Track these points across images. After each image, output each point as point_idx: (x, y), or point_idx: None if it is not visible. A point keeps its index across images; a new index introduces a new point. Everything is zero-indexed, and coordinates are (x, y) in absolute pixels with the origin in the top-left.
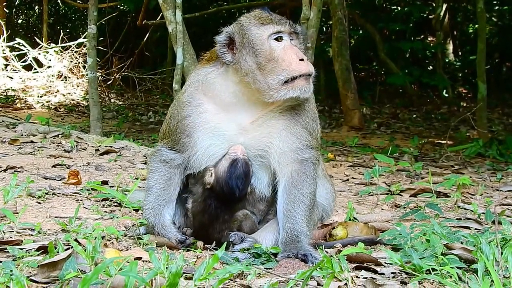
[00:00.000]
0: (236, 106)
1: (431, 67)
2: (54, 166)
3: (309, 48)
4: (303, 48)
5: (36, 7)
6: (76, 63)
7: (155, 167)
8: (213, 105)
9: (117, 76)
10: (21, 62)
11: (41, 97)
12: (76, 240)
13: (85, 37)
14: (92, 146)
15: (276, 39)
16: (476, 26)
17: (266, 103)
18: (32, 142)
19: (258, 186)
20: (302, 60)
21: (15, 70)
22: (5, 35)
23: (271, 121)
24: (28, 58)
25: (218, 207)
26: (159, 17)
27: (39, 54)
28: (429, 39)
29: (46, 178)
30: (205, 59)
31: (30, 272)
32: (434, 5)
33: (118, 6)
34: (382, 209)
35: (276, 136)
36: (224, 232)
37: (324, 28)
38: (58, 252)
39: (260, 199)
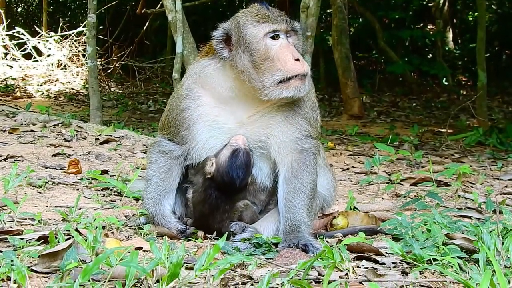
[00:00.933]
0: (233, 100)
1: (430, 55)
2: (54, 155)
3: (308, 37)
4: (301, 45)
5: None
6: (75, 51)
7: (155, 157)
8: (211, 98)
9: (116, 65)
10: (21, 51)
11: (40, 86)
12: (76, 230)
13: (84, 26)
14: (92, 135)
15: (272, 37)
16: (476, 14)
17: (263, 100)
18: (32, 131)
19: (259, 177)
20: (297, 60)
21: (15, 59)
22: (4, 23)
23: (270, 114)
24: (28, 47)
25: (219, 197)
26: (158, 6)
27: (39, 42)
28: (428, 27)
29: (46, 168)
30: (204, 51)
31: (30, 262)
32: None
33: None
34: (382, 198)
35: (275, 127)
36: (224, 222)
37: (324, 17)
38: (58, 242)
39: (261, 189)
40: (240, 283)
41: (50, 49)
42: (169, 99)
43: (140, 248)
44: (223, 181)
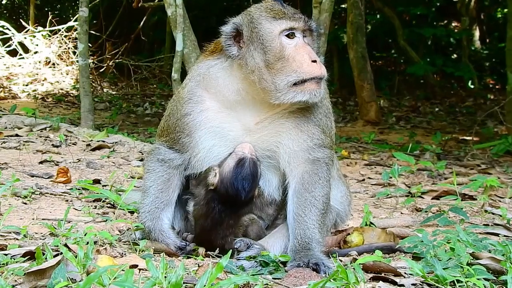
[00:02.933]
0: (240, 105)
1: (455, 56)
2: (41, 162)
3: (321, 35)
4: (316, 47)
5: None
6: (65, 48)
7: (153, 166)
8: (216, 102)
9: (110, 63)
10: (5, 47)
11: (27, 85)
12: (66, 245)
13: (75, 21)
14: (83, 141)
15: (288, 35)
16: (505, 10)
17: (273, 104)
18: (17, 135)
19: (266, 189)
20: (314, 61)
21: None
22: None
23: (280, 120)
24: (13, 42)
25: (222, 210)
26: None
27: (25, 38)
28: (453, 24)
29: (32, 176)
30: (208, 51)
31: (15, 281)
32: None
33: None
34: (401, 213)
35: (285, 135)
36: (228, 238)
37: (338, 12)
38: (46, 258)
39: (269, 202)
40: None
41: (37, 45)
42: (169, 103)
43: (135, 266)
44: (227, 193)
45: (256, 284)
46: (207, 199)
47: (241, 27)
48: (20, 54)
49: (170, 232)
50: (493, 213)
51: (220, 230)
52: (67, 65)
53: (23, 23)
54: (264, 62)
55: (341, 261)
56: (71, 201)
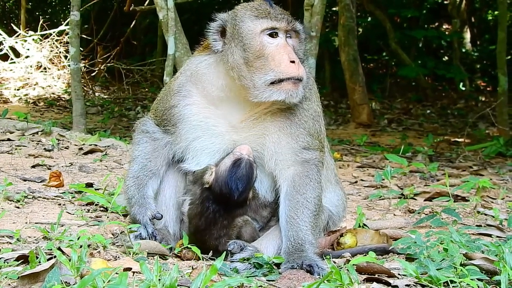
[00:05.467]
0: (225, 101)
1: (446, 58)
2: (33, 166)
3: (313, 38)
4: (303, 49)
5: None
6: (57, 52)
7: (138, 138)
8: (202, 97)
9: (102, 67)
10: None
11: (18, 90)
12: (59, 248)
13: (67, 24)
14: (75, 145)
15: (270, 35)
16: (496, 12)
17: (255, 103)
18: (9, 140)
19: (261, 191)
20: (293, 62)
21: None
22: None
23: (264, 123)
24: (4, 47)
25: (217, 211)
26: (147, 2)
27: (16, 42)
28: (444, 27)
29: (25, 180)
30: (201, 47)
31: (9, 284)
32: None
33: None
34: (394, 214)
35: (269, 138)
36: (222, 239)
37: (330, 15)
38: (39, 262)
39: (264, 205)
40: None
41: (28, 49)
42: (162, 90)
43: (129, 269)
44: (220, 192)
45: (250, 286)
46: (202, 198)
47: (226, 23)
48: (11, 59)
49: (152, 201)
50: (485, 214)
51: (214, 231)
52: (58, 69)
53: (14, 27)
54: (243, 59)
55: (334, 262)
56: (64, 204)
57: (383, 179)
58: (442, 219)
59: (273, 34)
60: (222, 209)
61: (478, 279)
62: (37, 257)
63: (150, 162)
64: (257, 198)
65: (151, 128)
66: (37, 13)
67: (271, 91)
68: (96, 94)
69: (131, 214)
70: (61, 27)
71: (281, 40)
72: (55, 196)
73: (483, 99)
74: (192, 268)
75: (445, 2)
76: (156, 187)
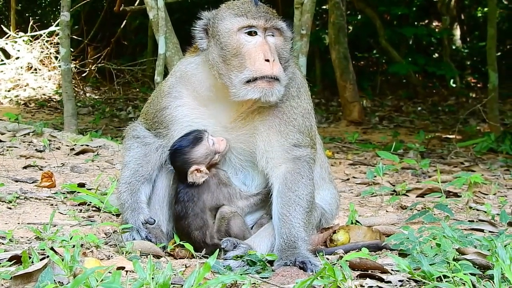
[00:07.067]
0: (213, 102)
1: (437, 55)
2: (25, 167)
3: (303, 36)
4: (288, 48)
5: None
6: (47, 53)
7: (129, 144)
8: (192, 98)
9: (92, 68)
10: None
11: (9, 91)
12: (52, 248)
13: (57, 25)
14: (67, 145)
15: (249, 33)
16: (486, 9)
17: (240, 103)
18: (0, 141)
19: (250, 187)
20: (268, 60)
21: None
22: None
23: (254, 122)
24: None
25: (185, 193)
26: (137, 2)
27: (6, 44)
28: (434, 24)
29: (16, 181)
30: (192, 48)
31: (2, 285)
32: None
33: None
34: (386, 211)
35: (259, 137)
36: (204, 230)
37: (320, 13)
38: (32, 262)
39: (240, 196)
40: None
41: (19, 51)
42: (153, 93)
43: (122, 268)
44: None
45: (243, 283)
46: (176, 182)
47: (209, 22)
48: (2, 60)
49: (145, 206)
50: (477, 210)
51: (190, 219)
52: (49, 70)
53: (4, 28)
54: (221, 57)
55: (327, 259)
56: (56, 205)
57: (375, 176)
58: (434, 215)
59: (251, 32)
60: (191, 192)
61: (471, 274)
62: (30, 257)
63: (141, 167)
64: (230, 187)
65: (141, 133)
66: (27, 14)
67: (246, 90)
68: (87, 94)
69: (123, 219)
70: (51, 28)
71: (259, 39)
72: (47, 197)
73: (474, 95)
74: (186, 267)
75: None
76: (149, 192)
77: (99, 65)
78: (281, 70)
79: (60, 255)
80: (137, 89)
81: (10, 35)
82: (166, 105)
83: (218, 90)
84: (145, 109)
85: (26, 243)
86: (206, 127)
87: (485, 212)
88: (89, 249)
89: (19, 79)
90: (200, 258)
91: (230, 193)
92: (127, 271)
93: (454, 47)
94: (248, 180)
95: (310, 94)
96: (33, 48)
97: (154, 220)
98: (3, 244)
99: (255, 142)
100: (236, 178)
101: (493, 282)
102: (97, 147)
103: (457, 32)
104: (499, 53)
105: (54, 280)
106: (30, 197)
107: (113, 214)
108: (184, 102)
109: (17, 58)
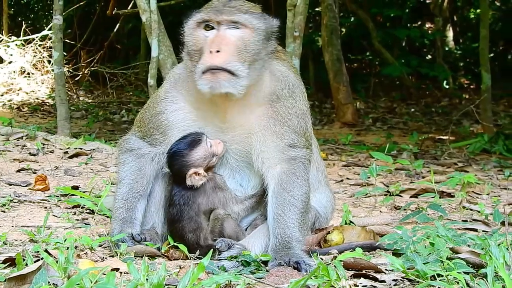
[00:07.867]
0: (207, 104)
1: (429, 56)
2: (18, 171)
3: (296, 38)
4: (259, 40)
5: None
6: (40, 57)
7: (123, 158)
8: (187, 103)
9: (85, 72)
10: None
11: (2, 95)
12: (46, 250)
13: (50, 29)
14: (60, 149)
15: (205, 28)
16: (478, 10)
17: (229, 100)
18: None
19: (246, 189)
20: (211, 52)
21: None
22: None
23: (249, 122)
24: None
25: (180, 196)
26: (130, 6)
27: None
28: (427, 25)
29: (10, 184)
30: None
31: None
32: None
33: None
34: (380, 211)
35: (254, 137)
36: (198, 233)
37: (313, 16)
38: (26, 264)
39: (235, 200)
40: None
41: (11, 55)
42: (148, 100)
43: (116, 269)
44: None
45: (238, 284)
46: (171, 185)
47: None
48: None
49: (138, 223)
50: (471, 209)
51: (185, 222)
52: (42, 74)
53: None
54: (187, 54)
55: (321, 259)
56: (50, 208)
57: (369, 177)
58: (428, 214)
59: (206, 26)
60: (186, 195)
61: (465, 272)
62: (24, 260)
63: (136, 183)
64: (226, 191)
65: (135, 144)
66: (19, 18)
67: (200, 83)
68: (81, 98)
69: (112, 228)
70: (44, 32)
71: (215, 32)
72: (41, 200)
73: (467, 96)
74: (180, 267)
75: (428, 1)
76: (144, 207)
77: (92, 68)
78: (230, 61)
79: (54, 257)
80: (131, 93)
81: (2, 39)
82: (162, 110)
83: None
84: (140, 116)
85: (20, 245)
86: (202, 130)
87: (479, 211)
88: (83, 251)
89: (12, 83)
90: (194, 259)
91: (226, 198)
92: (121, 273)
93: (447, 49)
94: (244, 182)
95: (306, 96)
96: (26, 52)
97: (141, 238)
98: None
99: (251, 143)
100: (232, 180)
101: (487, 280)
102: (90, 150)
103: (450, 34)
104: (491, 54)
105: (49, 282)
106: (24, 200)
107: (107, 217)
108: (180, 107)
109: (10, 62)
